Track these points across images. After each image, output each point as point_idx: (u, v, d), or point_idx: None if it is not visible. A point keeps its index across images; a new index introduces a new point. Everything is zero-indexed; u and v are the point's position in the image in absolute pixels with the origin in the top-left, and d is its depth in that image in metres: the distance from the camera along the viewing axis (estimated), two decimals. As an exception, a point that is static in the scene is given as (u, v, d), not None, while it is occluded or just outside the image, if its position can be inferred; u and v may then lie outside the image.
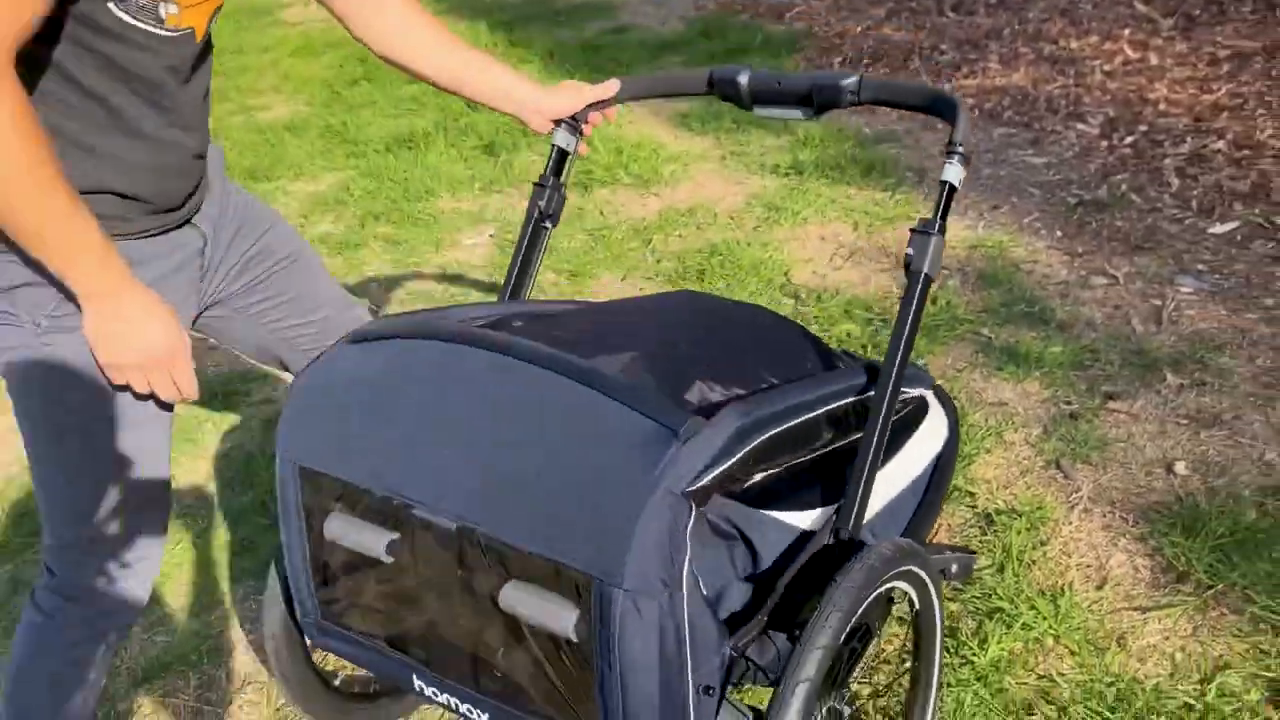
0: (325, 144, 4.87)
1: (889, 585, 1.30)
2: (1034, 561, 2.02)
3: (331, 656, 1.97)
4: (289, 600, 1.51)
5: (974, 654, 1.80)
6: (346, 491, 1.27)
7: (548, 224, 1.67)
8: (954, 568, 1.63)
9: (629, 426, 1.10)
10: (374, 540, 1.24)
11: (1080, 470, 2.26)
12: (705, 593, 1.18)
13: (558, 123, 1.65)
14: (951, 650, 1.82)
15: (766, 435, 1.17)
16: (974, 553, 1.70)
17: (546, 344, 1.23)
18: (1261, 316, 2.74)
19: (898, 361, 1.32)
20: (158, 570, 1.53)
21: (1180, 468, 2.23)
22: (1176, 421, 2.38)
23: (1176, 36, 4.77)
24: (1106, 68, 4.60)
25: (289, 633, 1.55)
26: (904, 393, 1.44)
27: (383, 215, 4.02)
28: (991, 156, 4.00)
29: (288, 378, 1.79)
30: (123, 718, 1.91)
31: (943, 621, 1.47)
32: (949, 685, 1.75)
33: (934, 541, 2.05)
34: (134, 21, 1.25)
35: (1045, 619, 1.86)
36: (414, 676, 1.31)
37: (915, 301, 1.33)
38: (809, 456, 1.30)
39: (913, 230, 1.36)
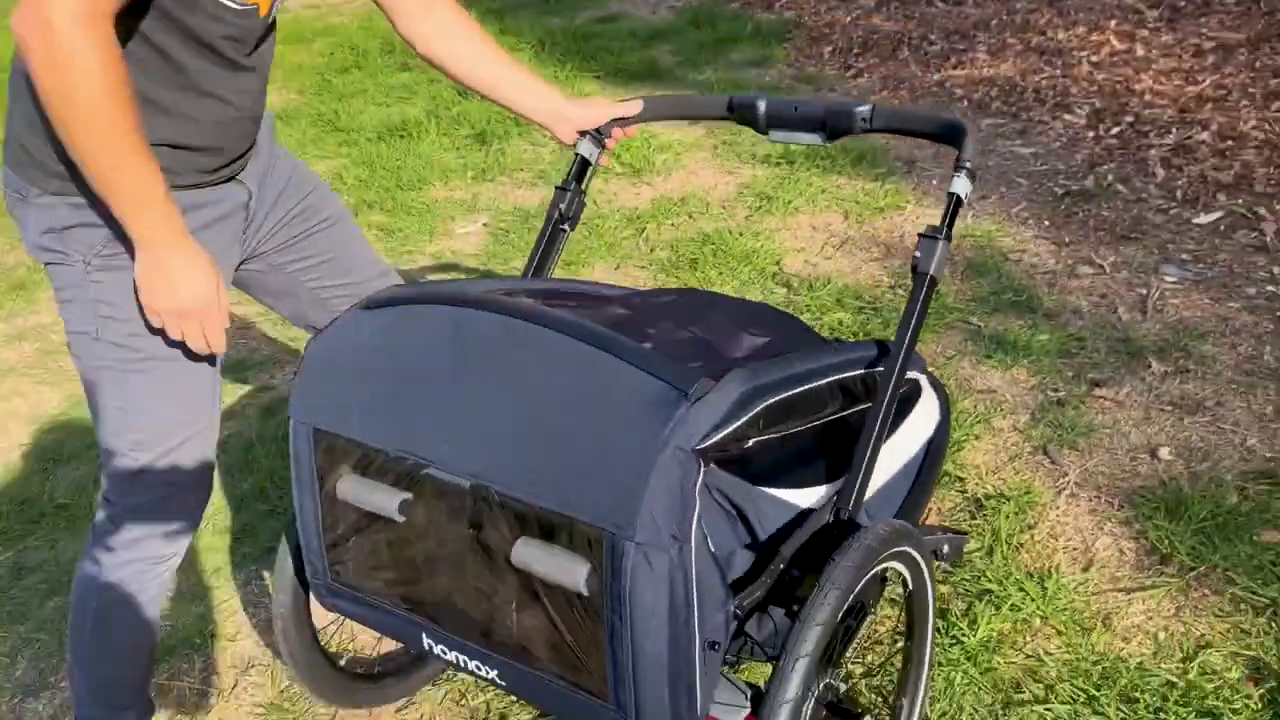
0: (317, 132, 4.87)
1: (884, 565, 1.34)
2: (1022, 545, 2.07)
3: (336, 638, 2.00)
4: (299, 573, 1.55)
5: (964, 634, 1.85)
6: (360, 453, 1.30)
7: (566, 226, 1.74)
8: (946, 549, 1.68)
9: (640, 387, 1.13)
10: (386, 500, 1.27)
11: (1067, 456, 2.30)
12: (712, 550, 1.22)
13: (583, 133, 1.74)
14: (942, 631, 1.86)
15: (771, 400, 1.21)
16: (965, 534, 1.75)
17: (559, 311, 1.26)
18: (1244, 305, 2.79)
19: (902, 355, 1.39)
20: (205, 503, 1.61)
21: (1164, 453, 2.28)
22: (1161, 408, 2.43)
23: (1162, 28, 4.82)
24: (1093, 59, 4.65)
25: (298, 614, 1.58)
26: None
27: (376, 204, 4.03)
28: (980, 147, 4.04)
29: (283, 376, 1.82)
30: (129, 700, 1.94)
31: (935, 601, 1.52)
32: (940, 665, 1.80)
33: (926, 524, 2.09)
34: None
35: (1033, 600, 1.91)
36: (423, 635, 1.34)
37: (921, 300, 1.41)
38: (809, 426, 1.34)
39: (920, 235, 1.44)
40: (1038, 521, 2.12)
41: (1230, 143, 3.69)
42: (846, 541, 1.26)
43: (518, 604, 1.22)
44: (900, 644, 1.81)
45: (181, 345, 1.47)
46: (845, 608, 1.23)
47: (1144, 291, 2.90)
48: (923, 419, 1.66)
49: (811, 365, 1.33)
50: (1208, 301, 2.82)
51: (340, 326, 1.38)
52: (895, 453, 1.57)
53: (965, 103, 4.50)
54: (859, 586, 1.25)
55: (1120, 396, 2.48)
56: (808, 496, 1.40)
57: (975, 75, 4.75)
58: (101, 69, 1.21)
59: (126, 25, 1.28)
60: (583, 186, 1.73)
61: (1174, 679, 1.74)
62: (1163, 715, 1.68)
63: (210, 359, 1.53)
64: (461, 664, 1.32)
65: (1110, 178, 3.58)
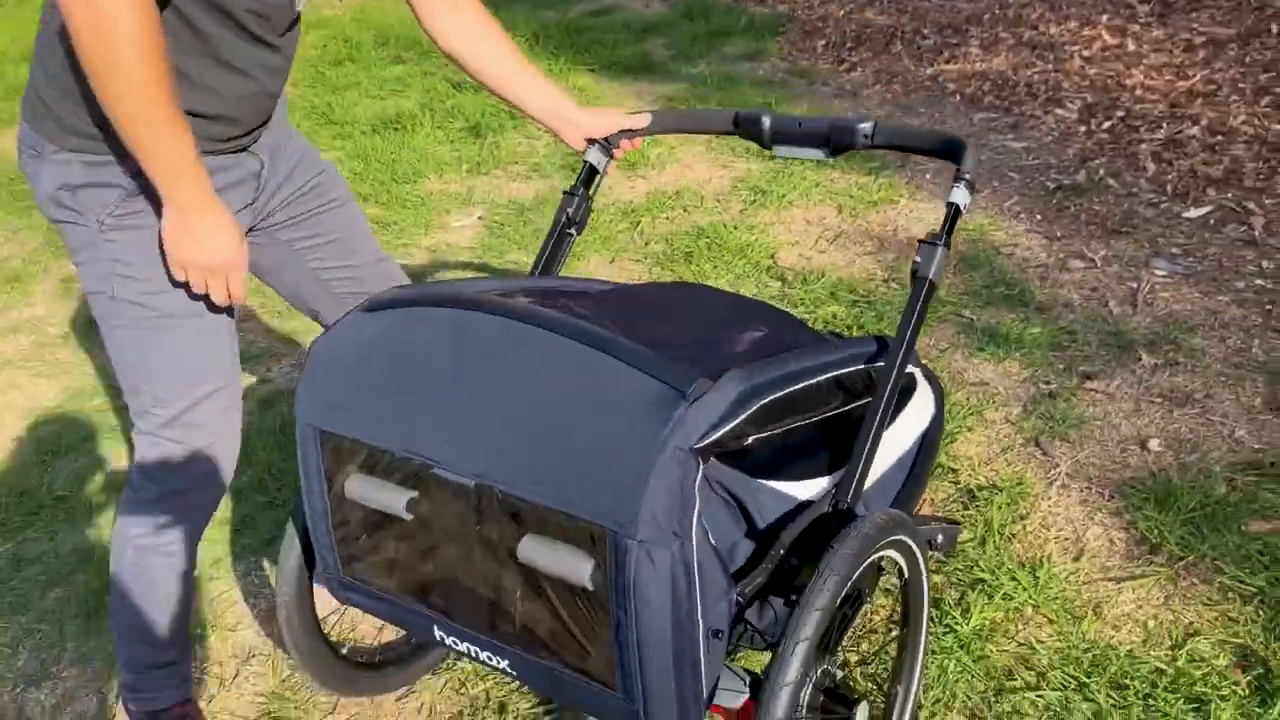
0: (311, 125, 4.87)
1: (881, 554, 1.37)
2: (1014, 535, 2.09)
3: (338, 628, 2.02)
4: (302, 563, 1.57)
5: (957, 623, 1.88)
6: (366, 452, 1.32)
7: (573, 230, 1.77)
8: (940, 538, 1.70)
9: (639, 387, 1.15)
10: (394, 498, 1.30)
11: (1058, 447, 2.33)
12: (713, 543, 1.24)
13: (591, 141, 1.77)
14: (936, 620, 1.89)
15: (768, 398, 1.24)
16: (959, 523, 1.77)
17: (558, 313, 1.28)
18: (1233, 299, 2.82)
19: (901, 354, 1.42)
20: (235, 454, 1.65)
21: (1154, 444, 2.31)
22: (1151, 400, 2.46)
23: (1153, 23, 4.86)
24: (1085, 53, 4.68)
25: (301, 603, 1.60)
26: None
27: (370, 197, 4.04)
28: (972, 141, 4.06)
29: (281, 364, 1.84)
30: (130, 689, 1.96)
31: (929, 590, 1.54)
32: (934, 652, 1.82)
33: (920, 514, 2.12)
34: None
35: (1025, 589, 1.94)
36: (434, 627, 1.37)
37: (920, 302, 1.45)
38: (806, 422, 1.36)
39: (921, 241, 1.48)
40: (1029, 512, 2.15)
41: (1220, 138, 3.72)
42: (844, 530, 1.28)
43: (524, 597, 1.24)
44: (895, 632, 1.83)
45: (199, 301, 1.52)
46: (843, 595, 1.25)
47: (1134, 285, 2.93)
48: (918, 411, 1.68)
49: (808, 363, 1.35)
50: (1197, 295, 2.86)
51: (342, 328, 1.40)
52: (891, 444, 1.59)
53: (958, 97, 4.52)
54: (857, 574, 1.27)
55: (1111, 389, 2.51)
56: (806, 489, 1.43)
57: (968, 70, 4.77)
58: (142, 33, 1.25)
59: None
60: (590, 193, 1.77)
61: (1163, 666, 1.77)
62: (1152, 702, 1.71)
63: (227, 314, 1.58)
64: (473, 654, 1.35)
65: (1101, 172, 3.61)
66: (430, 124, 4.68)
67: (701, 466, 1.14)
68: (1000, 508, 2.14)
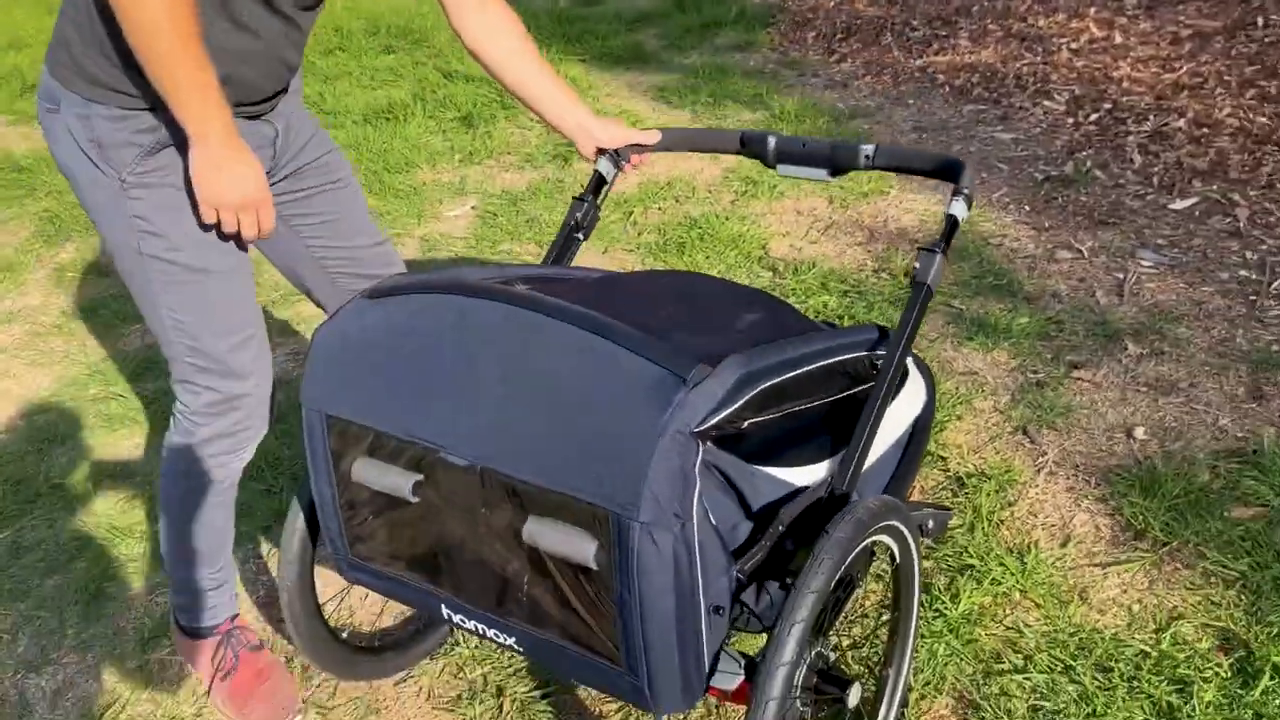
0: (302, 114, 4.87)
1: (873, 538, 1.40)
2: (1002, 521, 2.13)
3: (337, 613, 2.05)
4: (303, 548, 1.60)
5: (946, 607, 1.91)
6: (371, 436, 1.35)
7: (580, 235, 1.82)
8: (930, 524, 1.74)
9: (640, 373, 1.18)
10: (400, 482, 1.33)
11: (1046, 435, 2.37)
12: (713, 523, 1.27)
13: (602, 151, 1.82)
14: (926, 604, 1.92)
15: (766, 384, 1.27)
16: (949, 509, 1.81)
17: (559, 299, 1.31)
18: (1217, 289, 2.86)
19: (898, 353, 1.47)
20: (269, 398, 1.73)
21: (1139, 433, 2.35)
22: (1136, 389, 2.50)
23: (1140, 15, 4.89)
24: (1073, 46, 4.71)
25: (302, 588, 1.62)
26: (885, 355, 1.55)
27: (363, 187, 4.03)
28: (961, 133, 4.10)
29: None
30: (131, 675, 1.98)
31: (920, 574, 1.58)
32: (923, 636, 1.86)
33: (911, 501, 2.15)
34: None
35: (1013, 575, 1.98)
36: (442, 606, 1.40)
37: (918, 306, 1.51)
38: (801, 408, 1.39)
39: (920, 249, 1.55)
40: (1017, 499, 2.19)
41: (1206, 130, 3.76)
42: (839, 515, 1.32)
43: (530, 577, 1.27)
44: (887, 616, 1.87)
45: (222, 253, 1.58)
46: (836, 579, 1.28)
47: (1121, 276, 2.97)
48: (909, 400, 1.72)
49: (804, 350, 1.38)
50: (1183, 285, 2.90)
51: (345, 315, 1.42)
52: (884, 432, 1.62)
53: (947, 88, 4.55)
54: (850, 558, 1.30)
55: (1097, 378, 2.55)
56: (800, 475, 1.46)
57: (957, 61, 4.80)
58: None
59: None
60: (598, 200, 1.83)
61: (1147, 649, 1.81)
62: (1136, 684, 1.74)
63: (246, 273, 1.65)
64: (481, 632, 1.38)
65: (1089, 164, 3.65)
66: (422, 114, 4.69)
67: (701, 449, 1.17)
68: (989, 494, 2.18)
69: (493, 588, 1.33)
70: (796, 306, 2.71)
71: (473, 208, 3.85)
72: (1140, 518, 2.09)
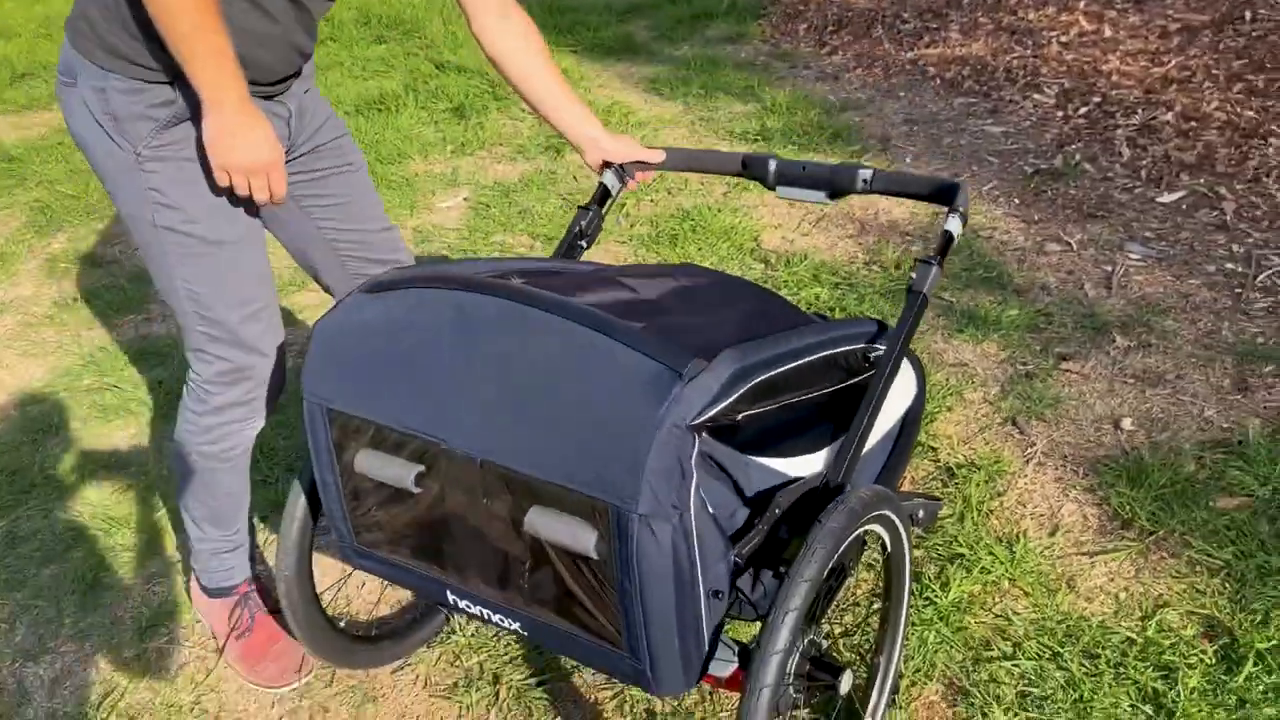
0: (294, 105, 4.86)
1: (865, 528, 1.42)
2: (992, 511, 2.16)
3: (334, 603, 2.07)
4: (306, 539, 1.61)
5: (937, 596, 1.94)
6: (373, 429, 1.37)
7: (583, 243, 1.86)
8: (921, 514, 1.76)
9: (637, 368, 1.20)
10: (402, 473, 1.35)
11: (1035, 426, 2.40)
12: (711, 511, 1.30)
13: (608, 165, 1.87)
14: (916, 593, 1.95)
15: (761, 378, 1.29)
16: (939, 499, 1.83)
17: (556, 294, 1.33)
18: (1204, 282, 2.89)
19: (894, 356, 1.51)
20: (283, 366, 1.77)
21: (1127, 424, 2.38)
22: (1124, 381, 2.53)
23: (1129, 9, 4.92)
24: (1063, 39, 4.74)
25: (300, 577, 1.64)
26: (879, 348, 1.57)
27: (356, 178, 4.04)
28: (952, 125, 4.12)
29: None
30: (129, 665, 1.99)
31: (910, 563, 1.60)
32: (914, 624, 1.89)
33: (902, 491, 2.18)
34: None
35: (1002, 563, 2.01)
36: (447, 592, 1.43)
37: (914, 315, 1.55)
38: (795, 401, 1.42)
39: (917, 260, 1.59)
40: (1007, 489, 2.22)
41: (1193, 123, 3.79)
42: (831, 505, 1.34)
43: (533, 565, 1.30)
44: (878, 605, 1.90)
45: (236, 226, 1.62)
46: (829, 568, 1.31)
47: (1109, 268, 3.00)
48: (900, 392, 1.74)
49: (798, 343, 1.40)
50: (1170, 278, 2.93)
51: (345, 309, 1.43)
52: (876, 424, 1.65)
53: (937, 81, 4.57)
54: (842, 547, 1.32)
55: (1085, 370, 2.58)
56: (793, 465, 1.48)
57: (948, 54, 4.82)
58: None
59: None
60: (603, 211, 1.87)
61: (1133, 636, 1.84)
62: (1122, 670, 1.78)
63: (260, 246, 1.68)
64: (485, 617, 1.40)
65: (1078, 157, 3.68)
66: (414, 105, 4.69)
67: (698, 442, 1.19)
68: (978, 485, 2.21)
69: (496, 574, 1.35)
70: (788, 298, 2.73)
71: (465, 199, 3.86)
72: (1127, 507, 2.12)
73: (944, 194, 1.64)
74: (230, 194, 1.59)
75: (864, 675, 1.66)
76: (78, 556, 2.28)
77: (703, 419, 1.19)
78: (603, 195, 1.87)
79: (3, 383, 2.98)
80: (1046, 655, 1.82)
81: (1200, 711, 1.68)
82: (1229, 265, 2.96)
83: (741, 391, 1.25)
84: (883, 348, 1.65)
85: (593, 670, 1.84)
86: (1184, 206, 3.30)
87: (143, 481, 2.49)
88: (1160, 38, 4.57)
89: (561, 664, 1.88)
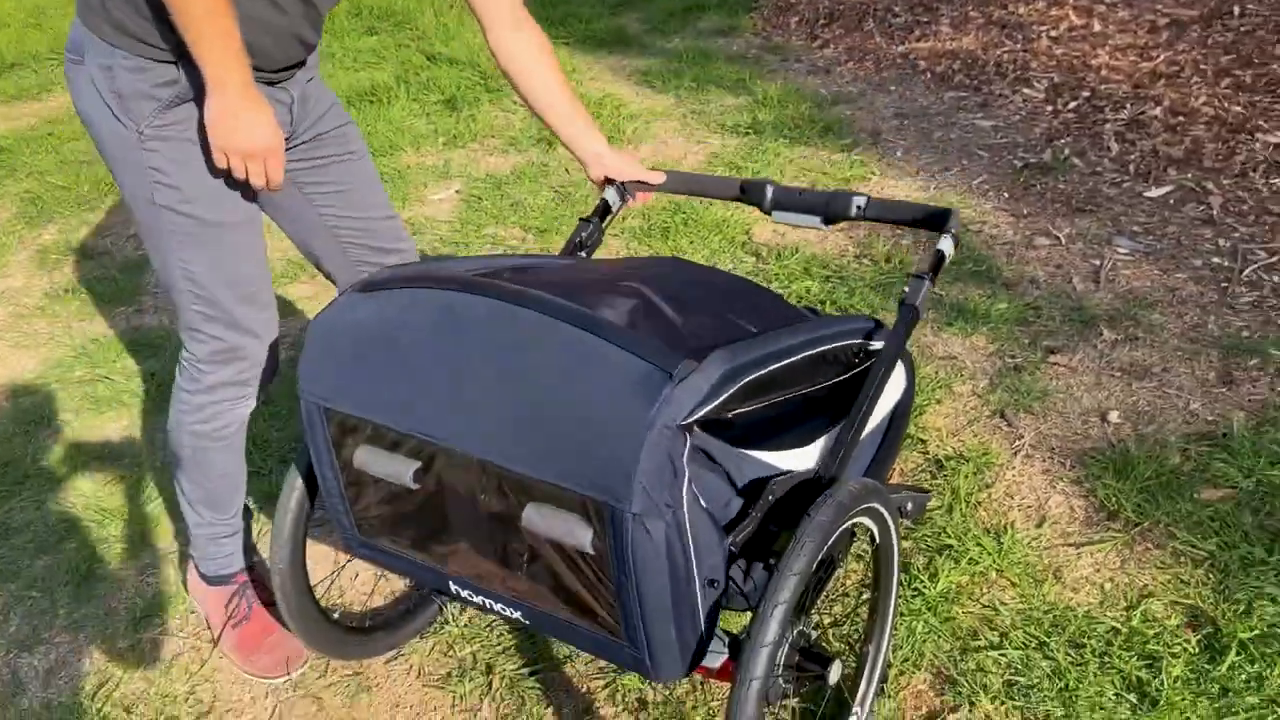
0: (285, 96, 4.85)
1: (854, 520, 1.44)
2: (980, 503, 2.18)
3: (328, 594, 2.08)
4: (296, 529, 1.64)
5: (925, 586, 1.96)
6: (370, 426, 1.39)
7: (583, 253, 1.90)
8: (910, 506, 1.78)
9: (628, 368, 1.22)
10: (401, 469, 1.37)
11: (1023, 419, 2.42)
12: (704, 504, 1.32)
13: (610, 181, 1.90)
14: (905, 583, 1.97)
15: (751, 377, 1.30)
16: (928, 491, 1.85)
17: (546, 293, 1.34)
18: (1190, 276, 2.92)
19: (885, 366, 1.53)
20: (276, 347, 1.80)
21: (1113, 416, 2.41)
22: (1111, 374, 2.55)
23: (1119, 4, 4.94)
24: (1053, 34, 4.75)
25: (294, 569, 1.65)
26: (869, 345, 1.59)
27: (347, 170, 4.04)
28: (942, 119, 4.14)
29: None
30: (123, 656, 2.00)
31: (899, 554, 1.62)
32: (902, 614, 1.91)
33: (891, 483, 2.20)
34: None
35: (989, 554, 2.03)
36: (449, 581, 1.45)
37: (905, 327, 1.58)
38: (785, 397, 1.44)
39: (909, 275, 1.65)
40: (995, 481, 2.24)
41: (1181, 118, 3.82)
42: (820, 498, 1.36)
43: (531, 559, 1.32)
44: (867, 596, 1.92)
45: (235, 207, 1.64)
46: (818, 560, 1.32)
47: (1097, 262, 3.02)
48: (890, 385, 1.76)
49: (789, 342, 1.42)
50: (1157, 272, 2.95)
51: (338, 308, 1.44)
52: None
53: (928, 75, 4.59)
54: (831, 540, 1.34)
55: (1073, 363, 2.60)
56: (784, 459, 1.50)
57: (938, 48, 4.84)
58: None
59: None
60: (604, 224, 1.91)
61: (1118, 626, 1.87)
62: (1107, 659, 1.80)
63: (256, 228, 1.70)
64: (487, 606, 1.43)
65: (1067, 151, 3.70)
66: (406, 96, 4.68)
67: (689, 440, 1.21)
68: (967, 477, 2.23)
69: (496, 567, 1.37)
70: (779, 292, 2.75)
71: (457, 191, 3.86)
72: (1113, 499, 2.15)
73: (935, 220, 1.68)
74: (229, 176, 1.60)
75: (853, 665, 1.68)
76: (71, 547, 2.28)
77: (693, 419, 1.21)
78: (604, 210, 1.90)
79: (-6, 374, 2.98)
80: (1033, 645, 1.84)
81: (1184, 700, 1.70)
82: (1215, 259, 2.99)
83: (732, 391, 1.27)
84: (874, 344, 1.67)
85: (589, 658, 1.86)
86: (1171, 201, 3.32)
87: (135, 473, 2.49)
88: (1149, 33, 4.59)
89: (554, 654, 1.90)
